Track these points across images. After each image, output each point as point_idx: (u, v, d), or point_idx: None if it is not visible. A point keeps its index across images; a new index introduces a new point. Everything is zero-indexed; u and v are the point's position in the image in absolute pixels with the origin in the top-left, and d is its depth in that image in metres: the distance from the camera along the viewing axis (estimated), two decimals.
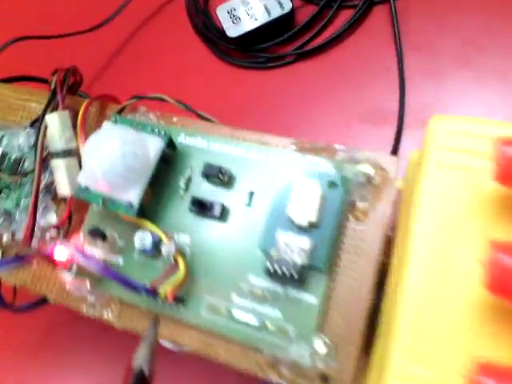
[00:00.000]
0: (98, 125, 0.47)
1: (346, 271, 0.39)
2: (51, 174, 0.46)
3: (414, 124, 0.59)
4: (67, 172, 0.43)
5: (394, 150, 0.58)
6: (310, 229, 0.38)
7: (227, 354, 0.40)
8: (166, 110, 0.47)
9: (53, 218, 0.46)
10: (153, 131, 0.42)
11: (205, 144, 0.44)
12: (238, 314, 0.39)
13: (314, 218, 0.38)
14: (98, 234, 0.41)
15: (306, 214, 0.38)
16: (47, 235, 0.45)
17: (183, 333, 0.41)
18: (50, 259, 0.39)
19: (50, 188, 0.46)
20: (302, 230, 0.38)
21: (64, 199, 0.45)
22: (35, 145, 0.44)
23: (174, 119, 0.46)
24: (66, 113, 0.45)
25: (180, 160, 0.44)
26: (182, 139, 0.45)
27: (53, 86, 0.47)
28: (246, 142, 0.43)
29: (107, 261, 0.43)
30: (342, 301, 0.38)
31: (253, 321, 0.39)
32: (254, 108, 0.65)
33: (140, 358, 0.31)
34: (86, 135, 0.44)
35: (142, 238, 0.41)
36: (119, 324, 0.42)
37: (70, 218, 0.45)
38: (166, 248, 0.40)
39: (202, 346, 0.40)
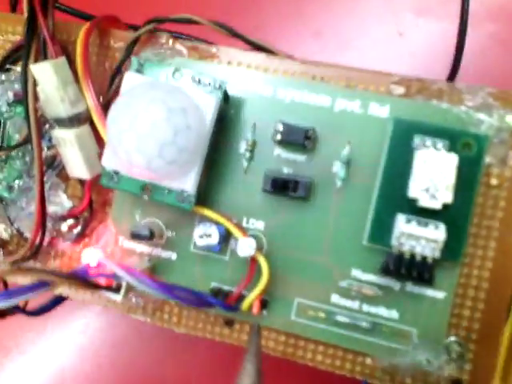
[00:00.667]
0: (99, 67, 0.33)
1: (477, 256, 0.30)
2: (49, 142, 0.33)
3: None
4: (80, 147, 0.30)
5: None
6: (442, 212, 0.28)
7: (325, 358, 0.32)
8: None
9: (64, 201, 0.34)
10: (200, 82, 0.29)
11: (270, 91, 0.31)
12: (341, 317, 0.31)
13: (450, 199, 0.28)
14: (142, 237, 0.30)
15: (440, 193, 0.28)
16: (62, 226, 0.34)
17: (267, 338, 0.32)
18: (85, 281, 0.28)
19: (53, 163, 0.33)
20: (431, 214, 0.28)
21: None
22: (25, 107, 0.29)
23: (213, 50, 0.32)
24: (63, 60, 0.30)
25: (237, 117, 0.31)
26: (235, 85, 0.31)
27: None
28: (332, 86, 0.31)
29: (154, 257, 0.32)
30: (476, 293, 0.30)
31: (361, 324, 0.30)
32: None
33: (246, 380, 0.25)
34: (94, 84, 0.30)
35: (205, 234, 0.30)
36: (179, 329, 0.33)
37: (90, 204, 0.33)
38: (242, 246, 0.29)
39: (291, 351, 0.32)
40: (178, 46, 0.33)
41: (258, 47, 0.32)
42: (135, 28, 0.34)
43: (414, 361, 0.30)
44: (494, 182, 0.30)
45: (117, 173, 0.29)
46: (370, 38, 0.47)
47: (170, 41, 0.33)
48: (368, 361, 0.31)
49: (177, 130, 0.26)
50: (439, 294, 0.30)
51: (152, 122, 0.26)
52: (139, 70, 0.29)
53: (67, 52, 0.32)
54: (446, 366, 0.30)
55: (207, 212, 0.30)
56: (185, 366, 0.48)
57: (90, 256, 0.31)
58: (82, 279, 0.28)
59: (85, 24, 0.31)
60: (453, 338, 0.30)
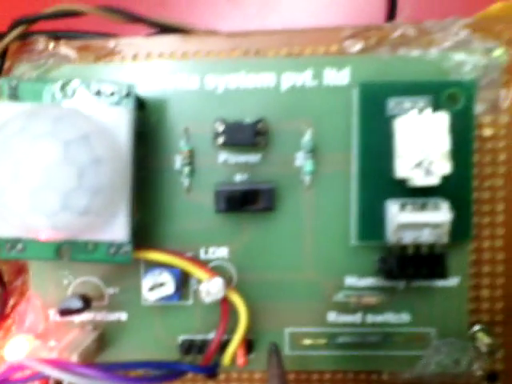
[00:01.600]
0: None
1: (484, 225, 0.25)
2: None
3: None
4: None
5: None
6: (439, 186, 0.23)
7: None
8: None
9: None
10: (101, 93, 0.21)
11: (196, 82, 0.24)
12: (343, 338, 0.25)
13: (448, 169, 0.22)
14: (74, 311, 0.23)
15: (436, 165, 0.22)
16: None
17: (261, 382, 0.27)
18: None
19: None
20: (427, 191, 0.23)
21: None
22: None
23: (111, 45, 0.25)
24: None
25: (161, 125, 0.24)
26: (149, 85, 0.24)
27: None
28: (272, 59, 0.24)
29: (100, 323, 0.25)
30: (492, 268, 0.26)
31: (369, 339, 0.25)
32: None
33: None
34: None
35: (157, 284, 0.23)
36: None
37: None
38: (208, 291, 0.23)
39: None
40: (63, 50, 0.25)
41: (168, 28, 0.25)
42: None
43: (438, 365, 0.26)
44: (487, 132, 0.25)
45: (18, 240, 0.22)
46: None
47: (51, 44, 0.25)
48: (385, 377, 0.26)
49: (81, 169, 0.19)
50: (452, 281, 0.25)
51: (43, 166, 0.18)
52: (13, 96, 0.21)
53: None
54: (476, 360, 0.26)
55: (152, 255, 0.24)
56: None
57: (16, 347, 0.24)
58: None
59: None
60: (477, 327, 0.26)
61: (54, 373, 0.20)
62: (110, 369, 0.21)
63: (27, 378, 0.21)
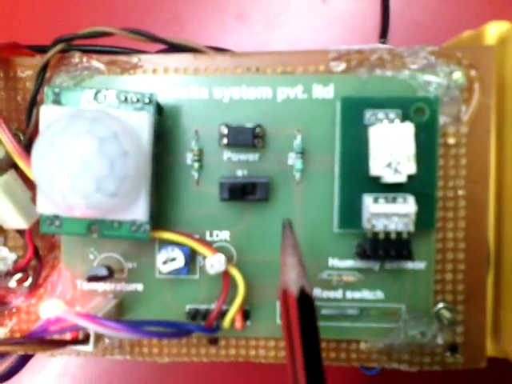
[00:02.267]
0: (10, 102, 0.29)
1: (449, 218, 0.29)
2: None
3: None
4: (9, 197, 0.27)
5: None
6: (408, 183, 0.27)
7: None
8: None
9: (7, 255, 0.31)
10: (127, 100, 0.26)
11: (205, 93, 0.29)
12: (326, 310, 0.30)
13: (413, 169, 0.27)
14: (100, 278, 0.27)
15: (403, 166, 0.27)
16: (11, 283, 0.31)
17: (256, 347, 0.31)
18: (46, 341, 0.25)
19: None
20: (397, 188, 0.27)
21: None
22: None
23: (135, 60, 0.29)
24: None
25: (176, 127, 0.29)
26: (167, 94, 0.29)
27: None
28: (270, 75, 0.28)
29: (119, 292, 0.30)
30: (454, 255, 0.30)
31: (349, 312, 0.30)
32: None
33: (293, 278, 0.22)
34: (8, 124, 0.27)
35: (169, 259, 0.28)
36: (162, 360, 0.31)
37: (35, 252, 0.30)
38: (211, 264, 0.27)
39: (283, 354, 0.31)
40: (95, 63, 0.30)
41: (183, 48, 0.29)
42: (42, 50, 0.31)
43: (407, 336, 0.30)
44: (451, 141, 0.29)
45: (57, 216, 0.26)
46: (294, 10, 0.45)
47: (84, 59, 0.29)
48: (362, 346, 0.30)
49: (112, 160, 0.23)
50: (420, 265, 0.29)
51: (82, 157, 0.23)
52: (56, 101, 0.26)
53: None
54: (440, 333, 0.30)
55: (166, 235, 0.28)
56: None
57: (49, 309, 0.28)
58: (42, 340, 0.25)
59: None
60: (441, 305, 0.30)
61: (86, 324, 0.24)
62: (130, 324, 0.25)
63: (62, 329, 0.25)
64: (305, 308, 0.20)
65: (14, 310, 0.31)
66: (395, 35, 0.46)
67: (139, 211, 0.26)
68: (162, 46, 0.30)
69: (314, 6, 0.45)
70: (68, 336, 0.26)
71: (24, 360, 0.33)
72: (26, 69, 0.30)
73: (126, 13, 0.47)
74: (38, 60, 0.29)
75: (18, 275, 0.31)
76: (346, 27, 0.46)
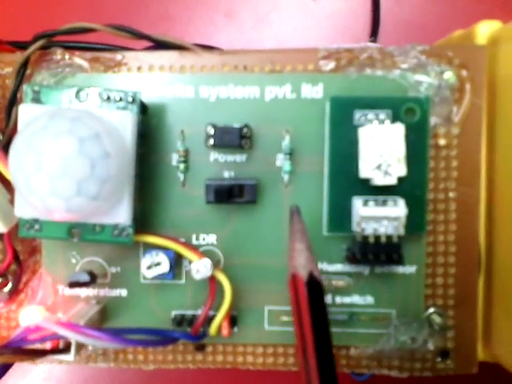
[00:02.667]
0: None
1: (439, 221, 0.29)
2: None
3: None
4: None
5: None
6: (398, 186, 0.27)
7: None
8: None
9: None
10: (110, 99, 0.25)
11: (191, 91, 0.28)
12: None
13: (404, 171, 0.26)
14: (82, 284, 0.26)
15: (393, 168, 0.26)
16: None
17: (243, 354, 0.30)
18: (25, 351, 0.24)
19: None
20: (387, 190, 0.27)
21: None
22: None
23: (118, 57, 0.29)
24: None
25: (161, 127, 0.28)
26: (151, 93, 0.28)
27: None
28: (258, 74, 0.28)
29: (103, 298, 0.29)
30: (445, 259, 0.29)
31: (338, 317, 0.29)
32: None
33: (302, 263, 0.22)
34: None
35: (154, 264, 0.27)
36: (148, 367, 0.31)
37: (15, 257, 0.28)
38: (197, 269, 0.27)
39: (271, 361, 0.30)
40: (78, 60, 0.29)
41: (168, 45, 0.29)
42: (23, 47, 0.29)
43: (398, 342, 0.29)
44: (442, 142, 0.28)
45: (36, 220, 0.25)
46: (283, 8, 0.45)
47: (67, 55, 0.28)
48: (352, 352, 0.30)
49: (93, 161, 0.23)
50: (410, 269, 0.29)
51: (62, 158, 0.22)
52: (35, 99, 0.25)
53: None
54: (430, 339, 0.29)
55: (151, 239, 0.27)
56: None
57: (29, 316, 0.27)
58: (21, 350, 0.24)
59: None
60: (431, 310, 0.29)
61: (66, 333, 0.23)
62: (113, 332, 0.24)
63: (42, 338, 0.24)
64: (314, 292, 0.20)
65: None
66: (385, 34, 0.45)
67: (122, 214, 0.25)
68: (147, 44, 0.30)
69: (304, 4, 0.45)
70: (48, 345, 0.25)
71: (4, 368, 0.32)
72: (6, 66, 0.29)
73: (115, 10, 0.46)
74: (18, 56, 0.28)
75: None
76: (336, 26, 0.45)
